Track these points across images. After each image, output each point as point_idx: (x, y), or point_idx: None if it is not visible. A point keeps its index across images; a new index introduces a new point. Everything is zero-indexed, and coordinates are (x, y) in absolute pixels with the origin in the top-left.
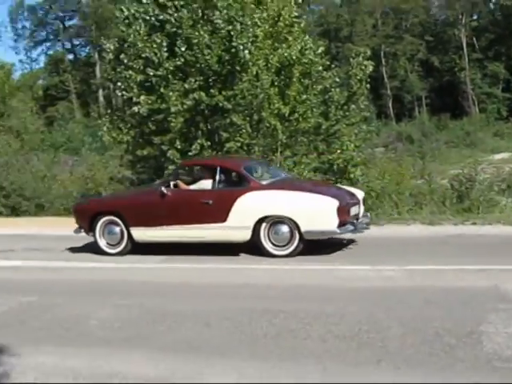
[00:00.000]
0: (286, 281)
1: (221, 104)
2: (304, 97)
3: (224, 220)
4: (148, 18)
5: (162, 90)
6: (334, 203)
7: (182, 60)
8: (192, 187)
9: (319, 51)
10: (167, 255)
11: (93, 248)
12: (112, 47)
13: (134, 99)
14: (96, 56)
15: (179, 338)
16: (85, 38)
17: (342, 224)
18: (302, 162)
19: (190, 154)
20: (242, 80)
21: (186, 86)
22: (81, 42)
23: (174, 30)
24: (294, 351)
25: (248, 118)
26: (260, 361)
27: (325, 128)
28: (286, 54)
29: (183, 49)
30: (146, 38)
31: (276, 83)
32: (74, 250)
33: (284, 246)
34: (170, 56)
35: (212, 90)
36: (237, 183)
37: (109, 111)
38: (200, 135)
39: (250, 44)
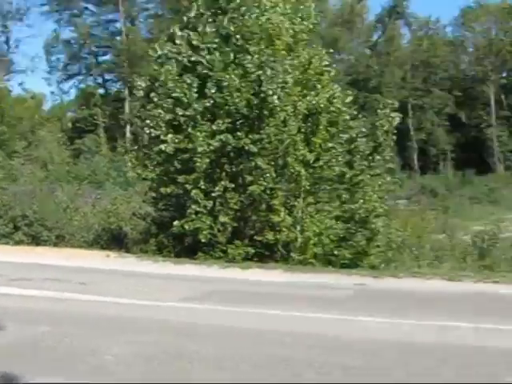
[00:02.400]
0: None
1: (247, 147)
2: (329, 145)
3: None
4: (180, 58)
5: (189, 129)
6: None
7: (212, 102)
8: None
9: (347, 100)
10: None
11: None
12: (143, 85)
13: (162, 137)
14: (126, 92)
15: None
16: (116, 74)
17: None
18: (324, 209)
19: (213, 194)
20: (269, 125)
21: (214, 127)
22: (112, 77)
23: (206, 71)
24: None
25: (273, 163)
26: None
27: (349, 177)
28: (314, 102)
29: (213, 91)
30: (177, 77)
31: (302, 130)
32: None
33: None
34: (199, 97)
35: (239, 133)
36: None
37: (135, 147)
38: (224, 177)
39: (279, 90)
